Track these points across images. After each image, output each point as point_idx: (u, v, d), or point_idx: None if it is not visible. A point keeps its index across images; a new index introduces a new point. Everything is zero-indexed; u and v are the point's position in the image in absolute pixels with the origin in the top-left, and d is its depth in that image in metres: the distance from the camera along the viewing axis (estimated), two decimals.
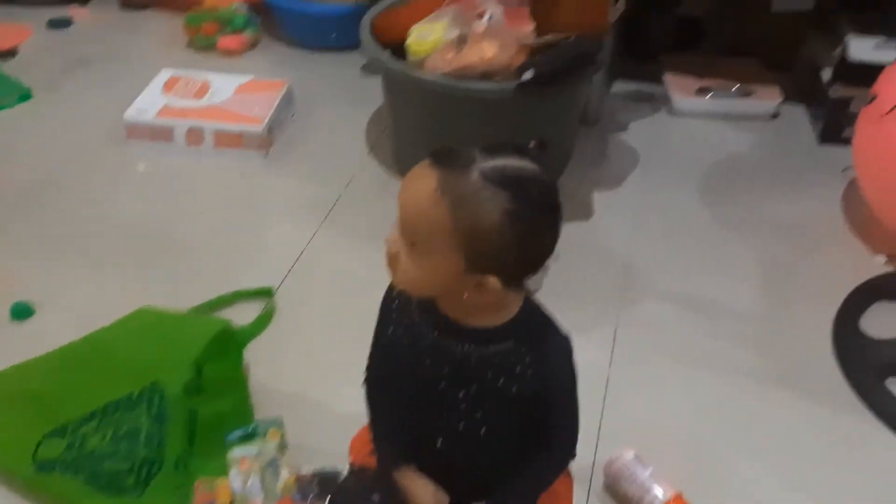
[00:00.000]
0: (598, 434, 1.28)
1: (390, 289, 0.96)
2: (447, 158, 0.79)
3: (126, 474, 1.12)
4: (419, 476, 0.96)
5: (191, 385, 1.20)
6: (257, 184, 1.87)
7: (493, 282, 0.81)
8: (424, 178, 0.78)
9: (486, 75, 1.57)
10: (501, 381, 0.88)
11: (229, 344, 1.29)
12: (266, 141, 1.91)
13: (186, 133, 1.91)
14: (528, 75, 1.47)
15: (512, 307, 0.89)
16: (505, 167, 0.78)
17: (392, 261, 0.84)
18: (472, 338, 0.88)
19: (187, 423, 1.19)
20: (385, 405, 1.01)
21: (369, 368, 1.03)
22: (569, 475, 1.06)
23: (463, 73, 1.57)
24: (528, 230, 0.79)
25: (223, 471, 1.18)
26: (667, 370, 1.43)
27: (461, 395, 0.90)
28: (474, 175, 0.77)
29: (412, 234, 0.80)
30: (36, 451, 1.17)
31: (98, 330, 1.29)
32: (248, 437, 1.21)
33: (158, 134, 1.92)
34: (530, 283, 0.87)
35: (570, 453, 0.98)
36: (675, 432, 1.32)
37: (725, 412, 1.36)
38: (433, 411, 0.93)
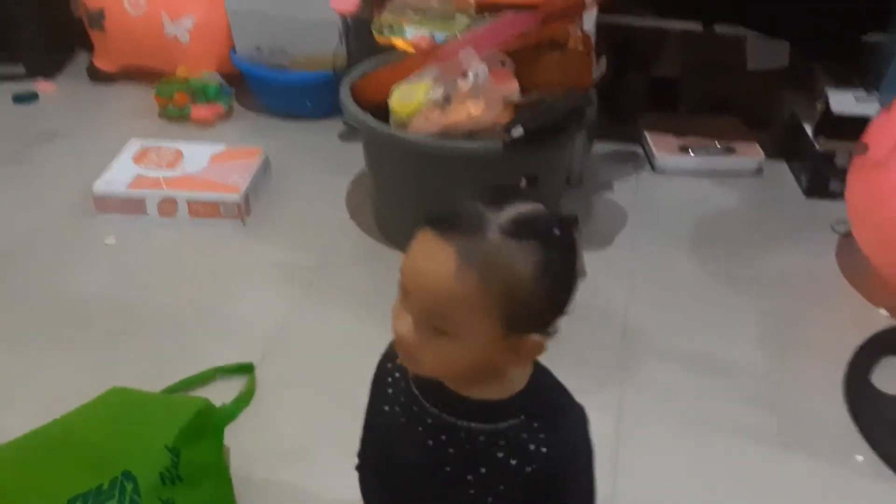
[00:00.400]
0: None
1: (383, 362, 0.88)
2: (458, 225, 0.70)
3: None
4: None
5: (166, 473, 1.09)
6: (235, 254, 1.79)
7: (535, 338, 0.74)
8: (440, 255, 0.69)
9: (473, 134, 1.53)
10: (514, 461, 0.79)
11: (208, 425, 1.19)
12: (243, 209, 1.84)
13: (159, 204, 1.83)
14: (516, 132, 1.43)
15: (521, 376, 0.81)
16: (519, 216, 0.71)
17: (412, 352, 0.74)
18: (478, 414, 0.80)
19: None
20: (382, 493, 0.91)
21: (362, 452, 0.94)
22: None
23: (449, 133, 1.52)
24: (561, 273, 0.73)
25: None
26: (677, 434, 1.36)
27: (470, 478, 0.81)
28: (493, 234, 0.69)
29: (439, 321, 0.71)
30: None
31: (63, 415, 1.18)
32: None
33: (129, 206, 1.84)
34: None
35: None
36: (694, 501, 1.24)
37: (741, 477, 1.29)
38: (439, 498, 0.84)
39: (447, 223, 0.71)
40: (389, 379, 0.86)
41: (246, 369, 1.43)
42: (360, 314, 1.58)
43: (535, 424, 0.79)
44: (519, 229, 0.70)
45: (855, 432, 1.37)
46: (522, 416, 0.79)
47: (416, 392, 0.83)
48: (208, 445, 1.18)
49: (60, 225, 1.86)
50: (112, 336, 1.54)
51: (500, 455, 0.79)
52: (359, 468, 0.95)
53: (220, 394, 1.36)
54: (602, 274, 1.69)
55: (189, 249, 1.79)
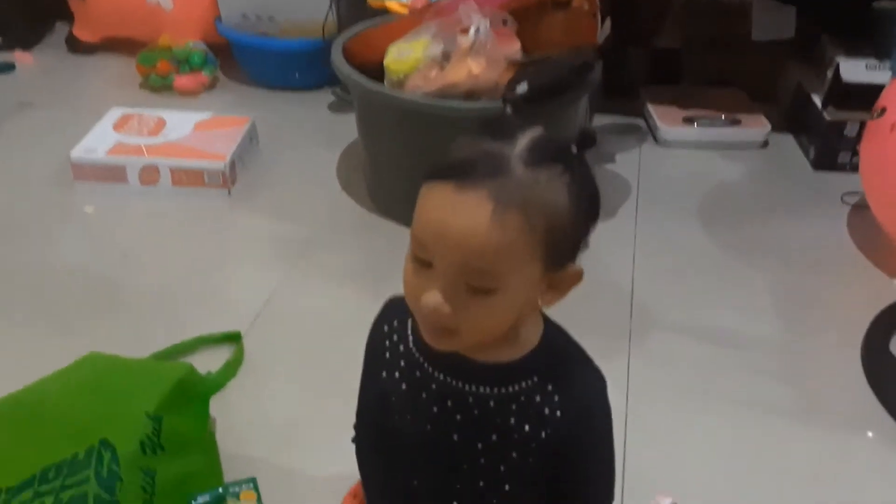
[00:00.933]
0: (623, 480, 1.12)
1: (378, 325, 0.81)
2: (479, 168, 0.62)
3: None
4: None
5: (147, 441, 1.01)
6: (221, 223, 1.71)
7: (573, 268, 0.68)
8: (470, 205, 0.62)
9: (473, 94, 1.45)
10: (527, 426, 0.72)
11: (193, 393, 1.11)
12: (229, 178, 1.75)
13: (140, 171, 1.74)
14: (521, 88, 1.35)
15: (533, 334, 0.74)
16: (534, 143, 0.64)
17: (450, 324, 0.66)
18: (487, 377, 0.73)
19: (144, 487, 0.99)
20: (382, 466, 0.84)
21: (358, 423, 0.86)
22: None
23: (447, 93, 1.45)
24: (589, 191, 0.67)
25: None
26: (689, 407, 1.29)
27: (480, 446, 0.74)
28: (518, 168, 0.62)
29: (478, 279, 0.64)
30: None
31: (36, 381, 1.09)
32: (218, 501, 1.02)
33: (109, 174, 1.75)
34: None
35: None
36: (706, 475, 1.18)
37: (759, 449, 1.23)
38: (446, 469, 0.77)
39: (466, 169, 0.63)
40: (387, 343, 0.79)
41: (233, 338, 1.35)
42: (353, 285, 1.50)
43: (550, 387, 0.72)
44: (541, 156, 0.63)
45: (874, 402, 1.30)
46: (535, 378, 0.73)
47: (418, 356, 0.75)
48: (193, 414, 1.10)
49: (37, 194, 1.77)
50: (92, 307, 1.45)
51: (513, 421, 0.73)
52: (355, 439, 0.87)
53: (206, 364, 1.28)
54: (607, 245, 1.61)
55: (172, 219, 1.71)
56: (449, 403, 0.74)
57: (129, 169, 1.74)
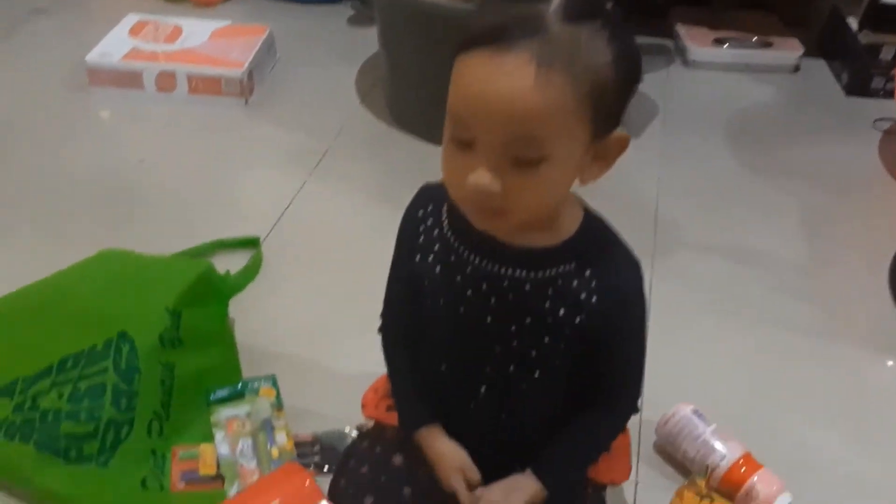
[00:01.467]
0: (644, 390, 1.11)
1: (412, 210, 0.79)
2: (515, 29, 0.59)
3: (88, 438, 0.92)
4: (448, 440, 0.79)
5: (167, 335, 1.01)
6: (238, 132, 1.68)
7: (618, 133, 0.65)
8: (511, 68, 0.59)
9: None
10: (562, 310, 0.71)
11: (212, 291, 1.10)
12: (247, 87, 1.72)
13: (157, 77, 1.71)
14: None
15: (572, 220, 0.72)
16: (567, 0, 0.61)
17: (500, 202, 0.63)
18: (524, 261, 0.71)
19: (162, 380, 0.99)
20: (410, 353, 0.82)
21: (387, 311, 0.84)
22: (626, 431, 0.89)
23: None
24: (631, 47, 0.63)
25: (206, 435, 0.99)
26: (710, 323, 1.28)
27: (513, 329, 0.73)
28: (556, 26, 0.59)
29: (527, 148, 0.61)
30: None
31: (51, 275, 1.08)
32: (237, 396, 1.02)
33: (125, 79, 1.71)
34: None
35: (633, 405, 0.82)
36: (725, 389, 1.16)
37: (780, 366, 1.21)
38: (477, 352, 0.76)
39: (501, 33, 0.59)
40: (421, 227, 0.77)
41: (251, 243, 1.34)
42: (370, 195, 1.49)
43: (587, 272, 0.71)
44: (578, 12, 0.60)
45: None
46: (573, 263, 0.71)
47: (453, 240, 0.74)
48: (212, 312, 1.10)
49: (53, 99, 1.74)
50: (108, 212, 1.44)
51: (548, 304, 0.71)
52: (382, 328, 0.85)
53: (225, 267, 1.25)
54: (632, 163, 1.55)
55: (189, 126, 1.68)
56: (484, 286, 0.72)
57: (145, 74, 1.71)
